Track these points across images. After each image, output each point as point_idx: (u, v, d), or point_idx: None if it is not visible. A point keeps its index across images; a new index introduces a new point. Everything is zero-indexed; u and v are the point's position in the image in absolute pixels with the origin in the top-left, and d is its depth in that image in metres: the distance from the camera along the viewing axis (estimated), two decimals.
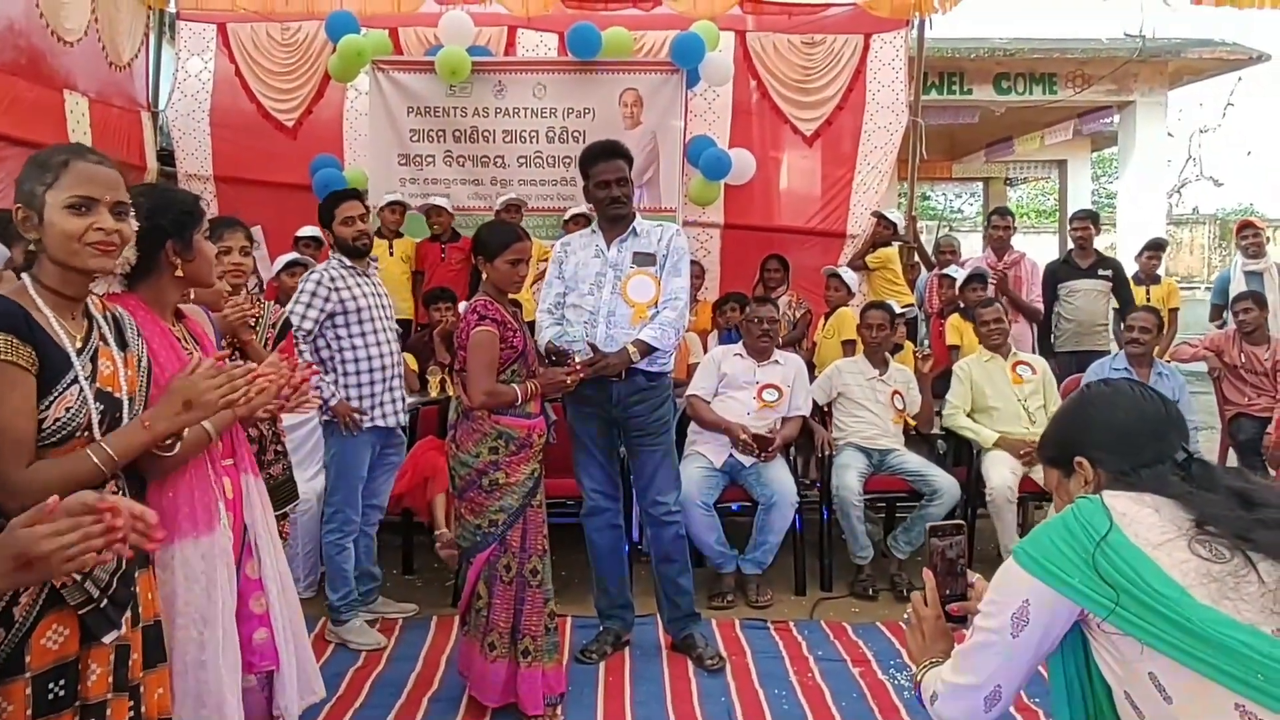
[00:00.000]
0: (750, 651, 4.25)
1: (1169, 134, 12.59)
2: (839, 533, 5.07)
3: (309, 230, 6.36)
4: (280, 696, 2.54)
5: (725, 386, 5.06)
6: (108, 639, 1.84)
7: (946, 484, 4.90)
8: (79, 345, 1.89)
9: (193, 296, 2.79)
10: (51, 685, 1.76)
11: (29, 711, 1.73)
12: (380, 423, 4.23)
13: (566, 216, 6.68)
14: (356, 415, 4.14)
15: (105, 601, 1.84)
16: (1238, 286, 6.77)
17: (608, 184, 4.00)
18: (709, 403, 5.01)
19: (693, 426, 5.08)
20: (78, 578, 1.78)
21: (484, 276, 3.69)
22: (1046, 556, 1.57)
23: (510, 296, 3.77)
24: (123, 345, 2.02)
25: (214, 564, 2.29)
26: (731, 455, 4.91)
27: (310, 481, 4.61)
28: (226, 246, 3.45)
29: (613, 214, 4.05)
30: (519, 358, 3.59)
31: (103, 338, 1.97)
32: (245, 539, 2.47)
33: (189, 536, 2.25)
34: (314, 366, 3.95)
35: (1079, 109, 11.50)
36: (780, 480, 4.84)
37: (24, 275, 1.91)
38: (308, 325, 4.09)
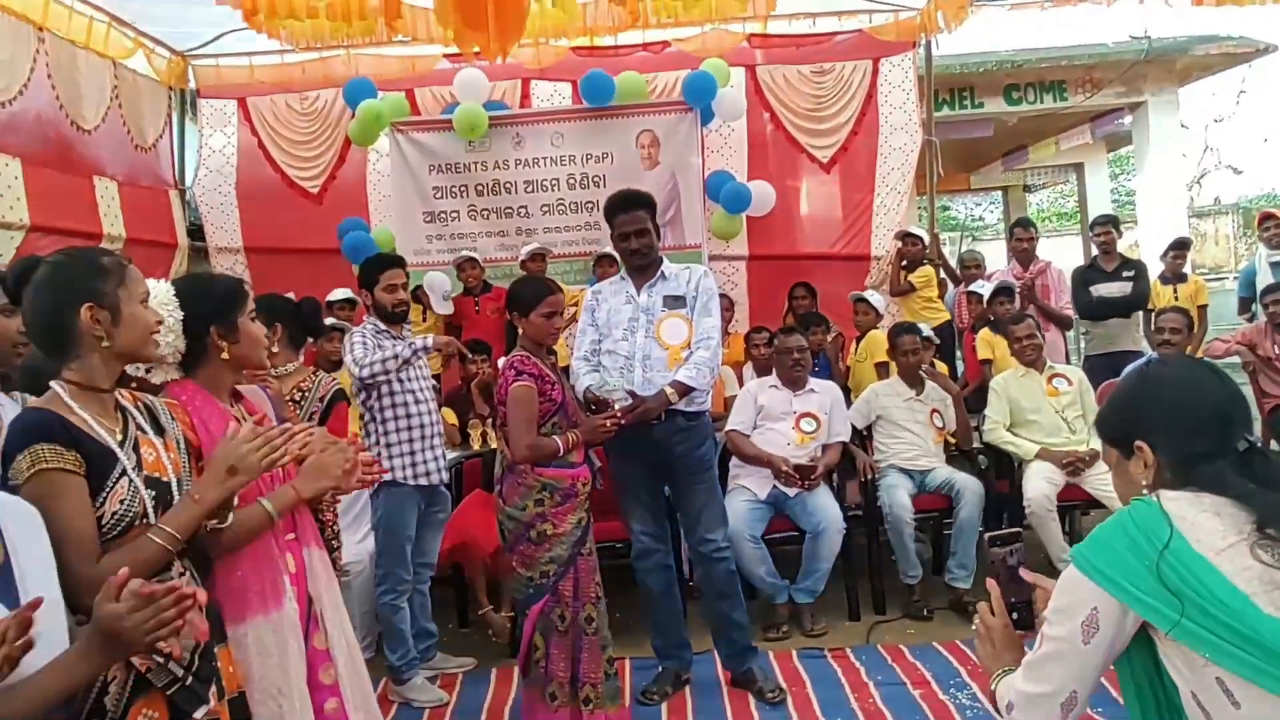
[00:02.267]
0: (809, 681, 4.25)
1: (1183, 126, 12.53)
2: (888, 554, 5.07)
3: (341, 293, 6.45)
4: None
5: (763, 419, 5.08)
6: (199, 714, 1.90)
7: (965, 482, 4.99)
8: (119, 438, 1.94)
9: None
10: None
11: None
12: (423, 481, 4.27)
13: (594, 258, 6.82)
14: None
15: (191, 679, 1.90)
16: (1264, 278, 6.75)
17: (627, 236, 4.07)
18: (749, 436, 5.04)
19: (735, 460, 5.10)
20: (160, 660, 1.83)
21: (520, 331, 3.76)
22: (1111, 565, 1.53)
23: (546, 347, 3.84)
24: (159, 431, 2.07)
25: (284, 638, 2.35)
26: (775, 486, 4.93)
27: (361, 543, 4.65)
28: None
29: (635, 265, 4.15)
30: (558, 410, 3.65)
31: (139, 427, 2.02)
32: (311, 611, 2.51)
33: (258, 614, 2.32)
34: (360, 442, 4.02)
35: (1091, 113, 11.45)
36: (826, 508, 4.85)
37: (53, 383, 1.94)
38: (374, 370, 4.11)
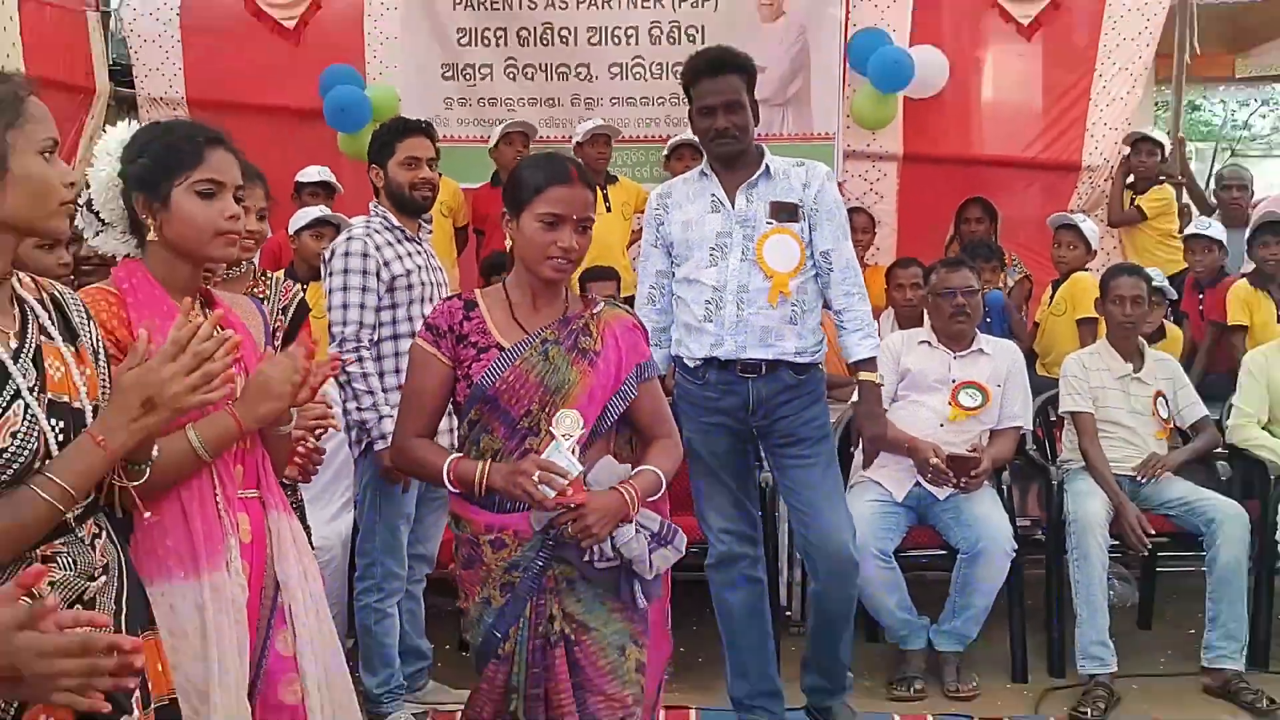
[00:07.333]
0: None
1: None
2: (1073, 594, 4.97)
3: (314, 173, 6.57)
4: None
5: (907, 388, 5.10)
6: None
7: (1227, 512, 4.87)
8: (14, 345, 1.95)
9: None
10: None
11: None
12: None
13: (667, 149, 6.76)
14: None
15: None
16: None
17: (712, 111, 4.12)
18: (884, 410, 4.90)
19: (863, 445, 5.03)
20: None
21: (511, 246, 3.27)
22: None
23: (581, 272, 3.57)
24: (70, 336, 2.08)
25: (211, 614, 2.38)
26: (918, 485, 4.94)
27: (333, 523, 4.75)
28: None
29: (719, 151, 4.21)
30: (478, 398, 2.97)
31: (43, 330, 2.02)
32: (276, 602, 2.59)
33: (176, 578, 2.36)
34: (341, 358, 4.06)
35: None
36: (989, 520, 4.82)
37: None
38: (367, 335, 4.26)
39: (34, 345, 1.98)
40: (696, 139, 6.18)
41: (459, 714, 4.19)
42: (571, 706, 2.85)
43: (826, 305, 4.37)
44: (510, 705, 2.91)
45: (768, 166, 4.21)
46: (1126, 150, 7.18)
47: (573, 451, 2.80)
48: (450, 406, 3.06)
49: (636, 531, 2.84)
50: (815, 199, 4.20)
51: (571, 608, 2.85)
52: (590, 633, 2.85)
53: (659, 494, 2.95)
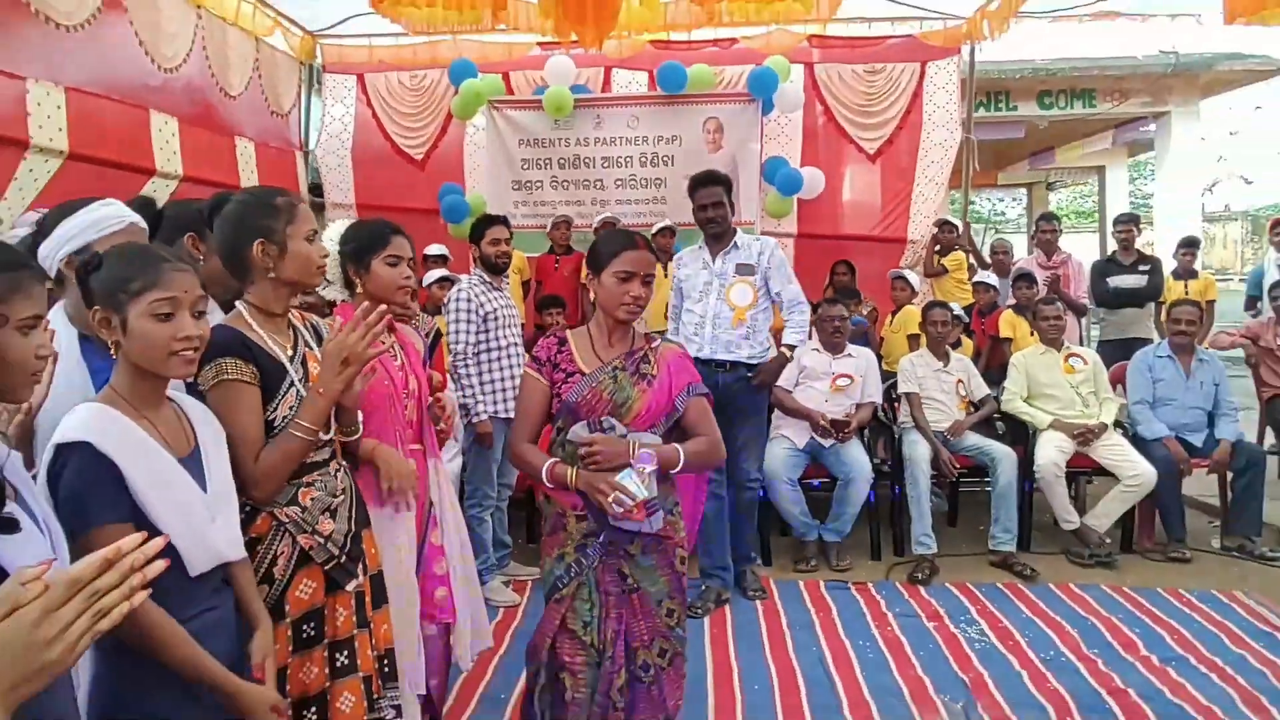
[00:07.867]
0: (835, 608, 4.31)
1: (1201, 139, 12.18)
2: (909, 504, 4.99)
3: (436, 248, 6.64)
4: (457, 646, 2.71)
5: (805, 377, 5.09)
6: (350, 587, 2.01)
7: (1003, 453, 4.94)
8: (290, 353, 2.01)
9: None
10: (305, 627, 1.95)
11: (290, 649, 1.94)
12: (510, 414, 4.27)
13: (654, 230, 6.71)
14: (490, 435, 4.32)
15: (344, 557, 2.01)
16: (1271, 278, 6.59)
17: (705, 207, 4.24)
18: (791, 392, 5.05)
19: (777, 413, 5.10)
20: (321, 540, 1.96)
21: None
22: None
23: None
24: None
25: (392, 528, 2.42)
26: (812, 437, 4.96)
27: (450, 463, 4.60)
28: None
29: (711, 232, 4.29)
30: (565, 411, 2.48)
31: (306, 344, 2.09)
32: (430, 512, 2.62)
33: (374, 504, 2.39)
34: (455, 364, 4.21)
35: (1117, 120, 11.22)
36: (857, 459, 4.88)
37: (238, 303, 2.03)
38: (470, 350, 4.27)
39: (301, 353, 2.06)
40: (672, 225, 6.58)
41: (529, 582, 4.57)
42: (642, 629, 2.46)
43: (774, 328, 4.46)
44: (574, 625, 2.44)
45: (736, 241, 4.29)
46: (935, 229, 7.21)
47: (644, 482, 2.34)
48: None
49: (633, 465, 2.36)
50: (768, 260, 4.29)
51: (633, 572, 2.46)
52: (641, 588, 2.47)
53: (676, 465, 2.42)
